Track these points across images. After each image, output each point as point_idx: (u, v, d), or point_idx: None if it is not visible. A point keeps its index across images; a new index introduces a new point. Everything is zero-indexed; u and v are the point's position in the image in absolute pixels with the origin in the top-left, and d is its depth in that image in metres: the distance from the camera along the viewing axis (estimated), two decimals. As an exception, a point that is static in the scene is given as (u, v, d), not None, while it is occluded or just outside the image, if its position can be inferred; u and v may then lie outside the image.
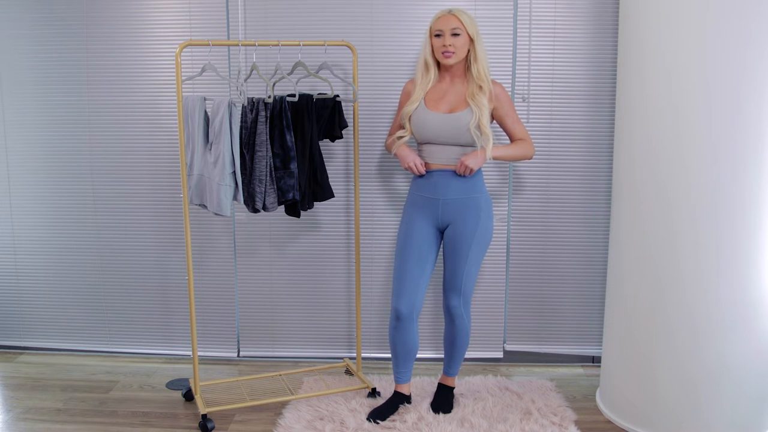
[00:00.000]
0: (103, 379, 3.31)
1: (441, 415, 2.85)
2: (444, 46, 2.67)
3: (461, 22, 2.66)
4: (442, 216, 2.78)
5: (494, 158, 2.75)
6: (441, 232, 2.83)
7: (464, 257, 2.76)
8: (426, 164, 2.79)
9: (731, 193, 2.47)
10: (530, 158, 2.86)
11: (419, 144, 2.83)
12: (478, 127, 2.67)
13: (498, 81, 2.81)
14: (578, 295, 3.40)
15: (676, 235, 2.56)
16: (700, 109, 2.46)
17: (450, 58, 2.68)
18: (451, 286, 2.80)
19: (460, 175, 2.73)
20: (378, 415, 2.82)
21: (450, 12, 2.69)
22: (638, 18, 2.62)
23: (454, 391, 3.00)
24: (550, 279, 3.40)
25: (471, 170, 2.70)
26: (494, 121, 2.84)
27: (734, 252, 2.50)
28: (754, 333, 2.56)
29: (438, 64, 2.77)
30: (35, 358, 3.56)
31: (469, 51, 2.71)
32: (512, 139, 2.83)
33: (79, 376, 3.34)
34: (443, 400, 2.94)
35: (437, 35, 2.69)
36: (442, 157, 2.75)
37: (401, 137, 2.81)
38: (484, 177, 2.93)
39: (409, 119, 2.79)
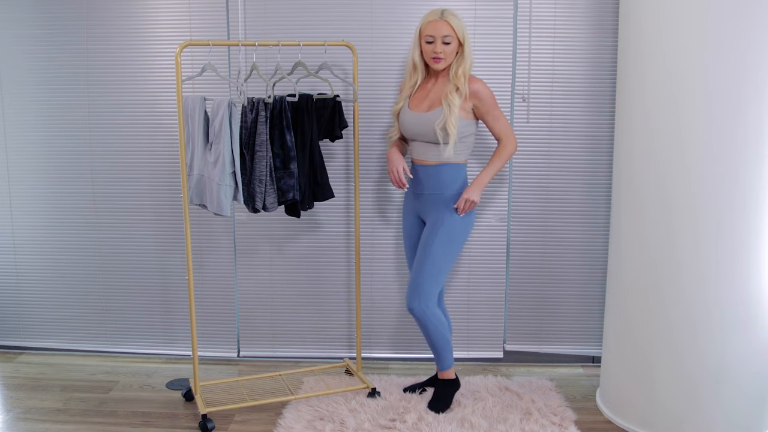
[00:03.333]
0: (103, 379, 3.31)
1: (441, 415, 2.85)
2: (435, 53, 2.69)
3: (452, 29, 2.67)
4: (421, 210, 2.87)
5: (488, 181, 2.81)
6: None
7: (427, 253, 2.78)
8: (412, 159, 2.88)
9: (731, 194, 2.47)
10: (515, 152, 2.85)
11: (407, 141, 2.92)
12: (444, 127, 2.69)
13: (479, 77, 2.81)
14: (578, 295, 3.40)
15: (676, 235, 2.56)
16: (701, 108, 2.46)
17: (439, 63, 2.71)
18: (412, 285, 2.81)
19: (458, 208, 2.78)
20: (412, 389, 3.06)
21: (441, 17, 2.68)
22: (638, 18, 2.61)
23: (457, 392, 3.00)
24: (550, 279, 3.40)
25: (472, 203, 2.75)
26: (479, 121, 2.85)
27: (734, 252, 2.50)
28: (754, 333, 2.56)
29: (426, 63, 2.80)
30: (35, 358, 3.56)
31: (457, 53, 2.73)
32: (494, 136, 2.82)
33: (79, 376, 3.34)
34: (437, 397, 2.94)
35: (428, 40, 2.70)
36: (420, 153, 2.81)
37: (392, 136, 2.92)
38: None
39: (398, 117, 2.88)
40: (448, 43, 2.68)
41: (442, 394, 2.96)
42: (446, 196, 2.79)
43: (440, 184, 2.79)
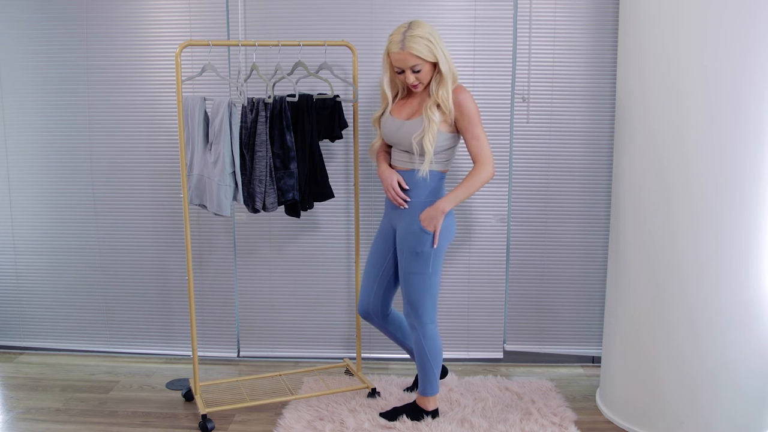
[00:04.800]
0: (103, 379, 3.31)
1: (441, 415, 2.84)
2: (408, 83, 2.55)
3: (418, 57, 2.48)
4: (393, 219, 2.75)
5: (452, 207, 2.60)
6: None
7: (402, 263, 2.68)
8: (391, 166, 2.74)
9: (732, 193, 2.47)
10: (489, 180, 2.63)
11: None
12: (421, 143, 2.54)
13: (465, 87, 2.63)
14: (578, 295, 3.40)
15: (676, 236, 2.56)
16: (701, 108, 2.46)
17: (417, 89, 2.57)
18: (403, 296, 2.73)
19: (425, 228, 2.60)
20: (412, 389, 3.09)
21: (403, 48, 2.48)
22: (638, 18, 2.62)
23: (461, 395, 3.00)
24: (550, 279, 3.40)
25: (431, 227, 2.57)
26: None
27: (734, 252, 2.50)
28: (754, 333, 2.56)
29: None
30: (35, 358, 3.56)
31: (435, 70, 2.56)
32: (471, 156, 2.61)
33: (79, 376, 3.34)
34: (398, 411, 2.83)
35: (398, 72, 2.56)
36: (397, 160, 2.69)
37: (374, 145, 2.80)
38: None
39: (378, 125, 2.77)
40: (418, 71, 2.51)
41: (406, 412, 2.83)
42: (413, 204, 2.63)
43: (408, 191, 2.64)
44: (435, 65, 2.55)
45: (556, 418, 2.83)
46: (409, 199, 2.65)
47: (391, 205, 2.75)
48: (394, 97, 2.72)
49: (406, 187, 2.65)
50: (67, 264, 3.52)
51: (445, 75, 2.53)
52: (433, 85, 2.56)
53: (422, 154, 2.57)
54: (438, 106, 2.55)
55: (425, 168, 2.57)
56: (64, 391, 3.17)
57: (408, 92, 2.71)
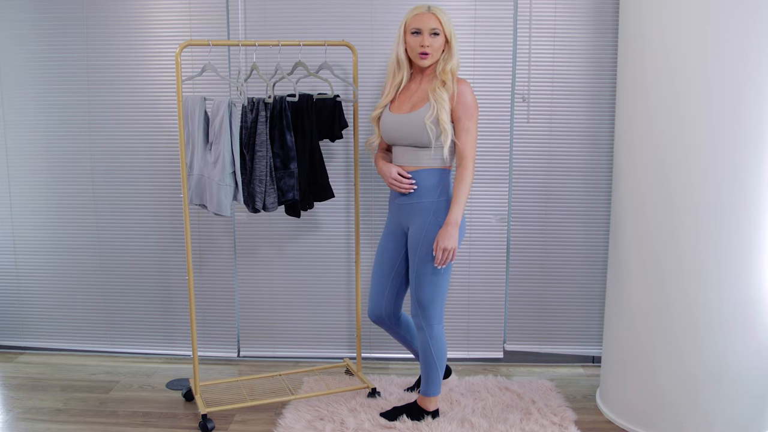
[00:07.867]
0: (103, 379, 3.31)
1: (441, 415, 2.84)
2: (422, 46, 2.55)
3: (440, 22, 2.54)
4: (403, 220, 2.72)
5: (461, 214, 2.56)
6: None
7: (414, 264, 2.65)
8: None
9: (732, 193, 2.47)
10: (473, 176, 2.61)
11: (390, 148, 2.81)
12: (437, 122, 2.53)
13: (465, 79, 2.67)
14: (578, 295, 3.40)
15: (677, 235, 2.56)
16: (701, 108, 2.46)
17: (426, 59, 2.56)
18: (412, 296, 2.70)
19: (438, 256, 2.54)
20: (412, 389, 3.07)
21: (429, 10, 2.56)
22: (638, 17, 2.62)
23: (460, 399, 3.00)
24: (550, 279, 3.40)
25: (449, 249, 2.53)
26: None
27: (735, 251, 2.50)
28: (754, 333, 2.56)
29: (410, 62, 2.66)
30: (35, 358, 3.56)
31: (443, 50, 2.60)
32: (456, 152, 2.60)
33: (79, 376, 3.34)
34: (398, 411, 2.83)
35: (414, 33, 2.56)
36: (402, 159, 2.67)
37: (372, 142, 2.80)
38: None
39: (377, 123, 2.75)
40: (436, 34, 2.54)
41: (406, 411, 2.82)
42: (424, 204, 2.62)
43: (418, 192, 2.62)
44: (445, 46, 2.59)
45: (556, 418, 2.83)
46: (414, 180, 2.63)
47: (398, 206, 2.72)
48: (397, 86, 2.69)
49: (408, 175, 2.64)
50: (67, 264, 3.52)
51: (454, 55, 2.59)
52: (440, 63, 2.60)
53: (438, 137, 2.55)
54: (444, 84, 2.55)
55: (447, 145, 2.54)
56: (64, 391, 3.17)
57: (408, 83, 2.69)
